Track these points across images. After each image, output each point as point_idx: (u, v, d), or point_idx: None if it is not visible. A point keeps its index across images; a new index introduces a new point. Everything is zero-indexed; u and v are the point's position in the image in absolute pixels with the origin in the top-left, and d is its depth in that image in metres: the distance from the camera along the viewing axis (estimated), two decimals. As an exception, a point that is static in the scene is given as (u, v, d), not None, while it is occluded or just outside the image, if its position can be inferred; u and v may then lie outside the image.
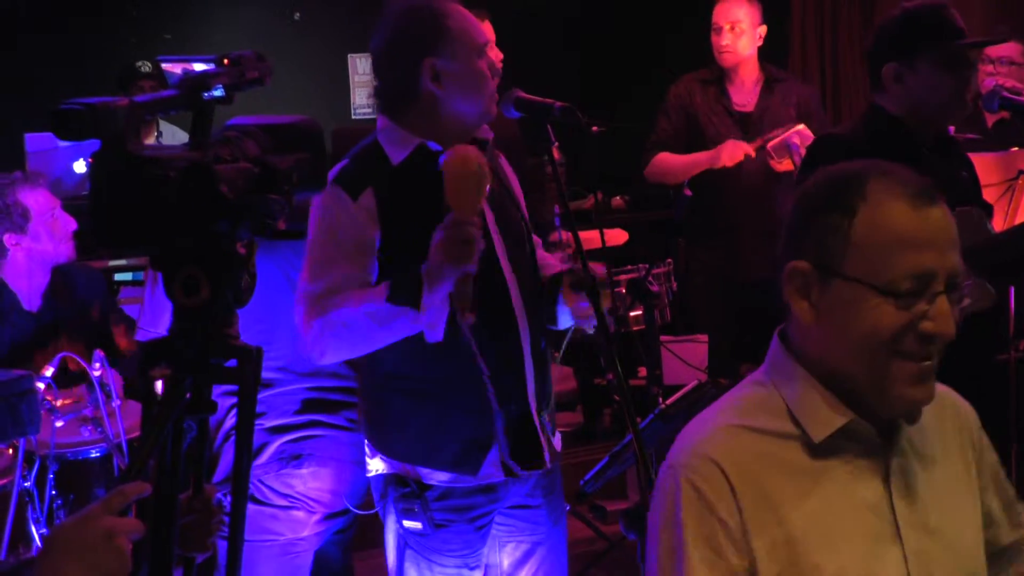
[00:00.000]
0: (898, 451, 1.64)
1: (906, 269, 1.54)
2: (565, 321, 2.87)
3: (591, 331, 2.76)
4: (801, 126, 4.74)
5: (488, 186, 2.52)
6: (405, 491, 2.70)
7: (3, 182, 4.01)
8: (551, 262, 2.98)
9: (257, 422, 3.02)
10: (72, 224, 4.09)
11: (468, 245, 2.46)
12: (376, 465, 2.77)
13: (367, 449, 2.80)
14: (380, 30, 2.74)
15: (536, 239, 2.99)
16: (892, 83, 3.08)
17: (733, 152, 4.79)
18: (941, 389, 1.69)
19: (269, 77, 1.47)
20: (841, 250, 1.57)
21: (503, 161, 2.92)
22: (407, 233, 2.62)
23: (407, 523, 2.71)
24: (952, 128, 3.63)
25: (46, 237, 4.02)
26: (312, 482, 3.09)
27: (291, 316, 2.92)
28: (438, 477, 2.70)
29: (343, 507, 3.13)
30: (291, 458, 3.08)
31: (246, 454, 1.44)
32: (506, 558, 2.88)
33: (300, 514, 3.09)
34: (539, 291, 2.82)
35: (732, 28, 4.96)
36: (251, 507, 3.02)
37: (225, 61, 1.39)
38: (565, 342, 3.06)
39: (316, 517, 3.11)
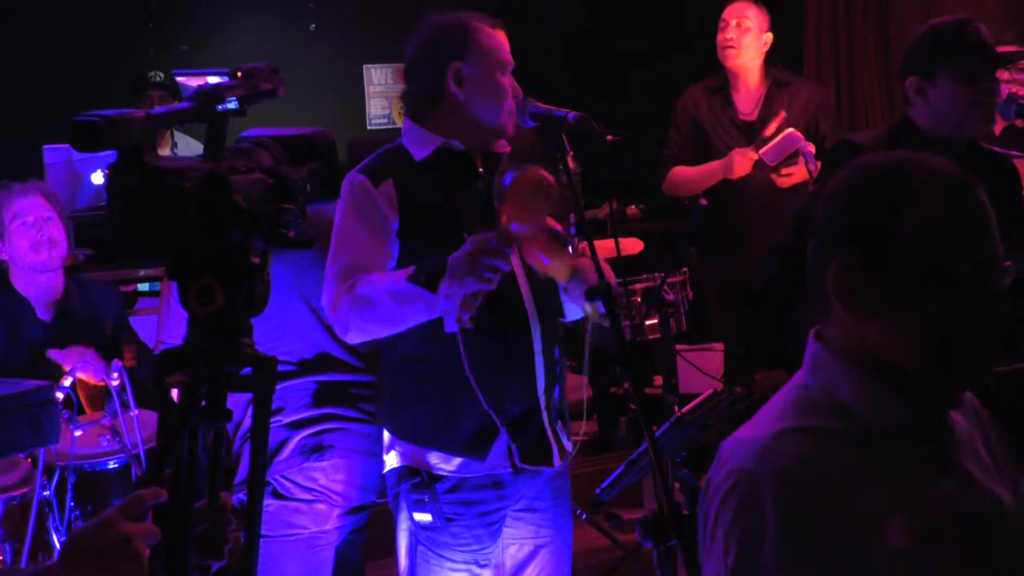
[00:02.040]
0: (952, 442, 1.62)
1: (959, 253, 1.52)
2: (573, 311, 2.90)
3: (607, 323, 2.77)
4: (790, 130, 4.71)
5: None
6: (416, 481, 2.78)
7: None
8: None
9: (275, 418, 3.09)
10: (60, 235, 4.10)
11: (497, 271, 2.53)
12: (391, 459, 2.85)
13: (385, 440, 2.88)
14: (414, 39, 2.89)
15: None
16: (915, 97, 3.18)
17: (742, 162, 4.79)
18: None
19: (283, 89, 1.48)
20: (893, 242, 1.54)
21: None
22: (424, 225, 2.75)
23: (417, 515, 2.78)
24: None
25: (19, 241, 4.05)
26: (334, 474, 3.14)
27: (301, 315, 3.08)
28: (447, 467, 2.76)
29: (363, 500, 3.18)
30: (312, 450, 3.13)
31: (261, 460, 1.46)
32: (509, 559, 2.93)
33: (323, 507, 3.14)
34: (552, 293, 2.87)
35: (738, 24, 4.95)
36: (275, 502, 3.09)
37: (239, 74, 1.41)
38: (587, 350, 3.05)
39: (338, 511, 3.15)
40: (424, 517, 2.78)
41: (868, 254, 1.56)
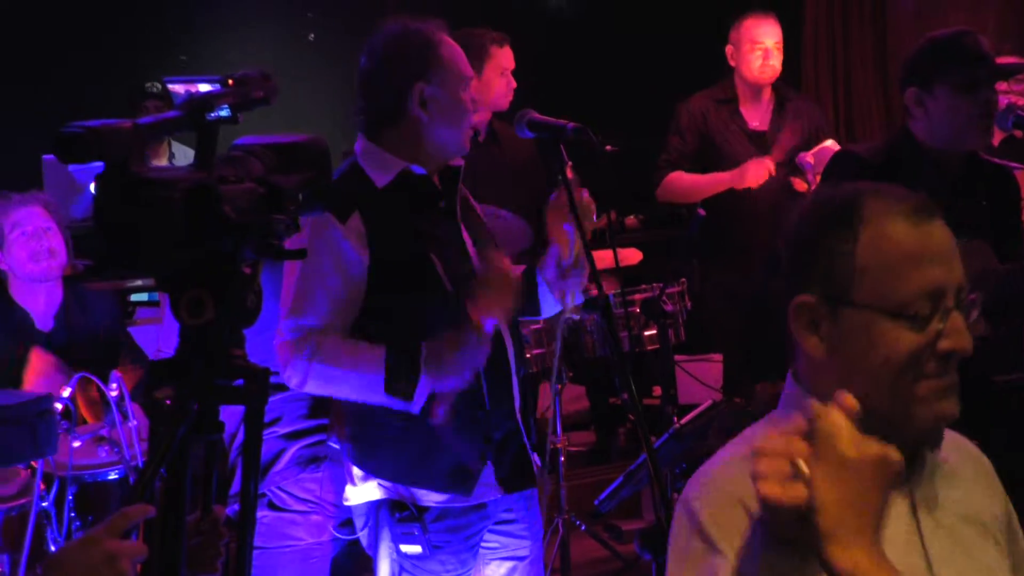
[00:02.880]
0: (922, 483, 1.58)
1: (917, 288, 1.49)
2: (549, 307, 2.88)
3: (576, 316, 2.79)
4: (830, 141, 4.75)
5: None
6: (403, 515, 2.71)
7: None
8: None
9: (272, 429, 3.09)
10: (59, 245, 4.11)
11: (475, 369, 2.57)
12: (366, 492, 2.76)
13: (356, 474, 2.78)
14: (371, 52, 2.77)
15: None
16: (915, 108, 3.17)
17: (758, 172, 4.77)
18: (956, 436, 1.66)
19: (275, 96, 1.46)
20: (847, 277, 1.51)
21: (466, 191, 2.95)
22: (393, 256, 2.67)
23: (405, 547, 2.72)
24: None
25: (18, 251, 4.05)
26: (330, 485, 3.13)
27: None
28: (434, 498, 2.71)
29: None
30: (308, 461, 3.12)
31: (253, 474, 1.44)
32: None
33: (318, 518, 3.14)
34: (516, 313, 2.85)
35: (776, 45, 4.96)
36: (271, 514, 3.09)
37: (230, 81, 1.39)
38: (559, 331, 3.07)
39: (334, 522, 3.15)
40: (413, 549, 2.71)
41: (826, 289, 1.53)
